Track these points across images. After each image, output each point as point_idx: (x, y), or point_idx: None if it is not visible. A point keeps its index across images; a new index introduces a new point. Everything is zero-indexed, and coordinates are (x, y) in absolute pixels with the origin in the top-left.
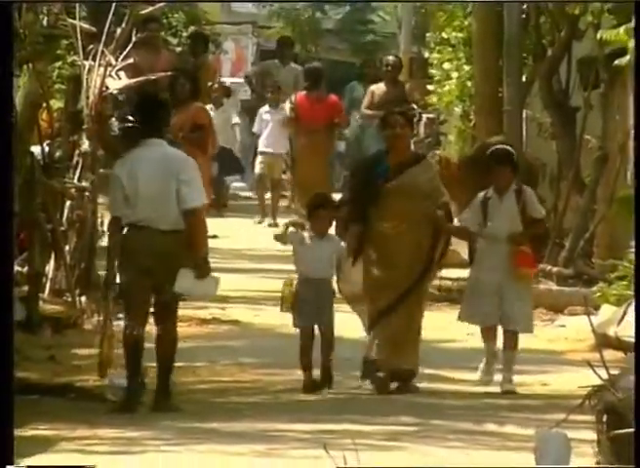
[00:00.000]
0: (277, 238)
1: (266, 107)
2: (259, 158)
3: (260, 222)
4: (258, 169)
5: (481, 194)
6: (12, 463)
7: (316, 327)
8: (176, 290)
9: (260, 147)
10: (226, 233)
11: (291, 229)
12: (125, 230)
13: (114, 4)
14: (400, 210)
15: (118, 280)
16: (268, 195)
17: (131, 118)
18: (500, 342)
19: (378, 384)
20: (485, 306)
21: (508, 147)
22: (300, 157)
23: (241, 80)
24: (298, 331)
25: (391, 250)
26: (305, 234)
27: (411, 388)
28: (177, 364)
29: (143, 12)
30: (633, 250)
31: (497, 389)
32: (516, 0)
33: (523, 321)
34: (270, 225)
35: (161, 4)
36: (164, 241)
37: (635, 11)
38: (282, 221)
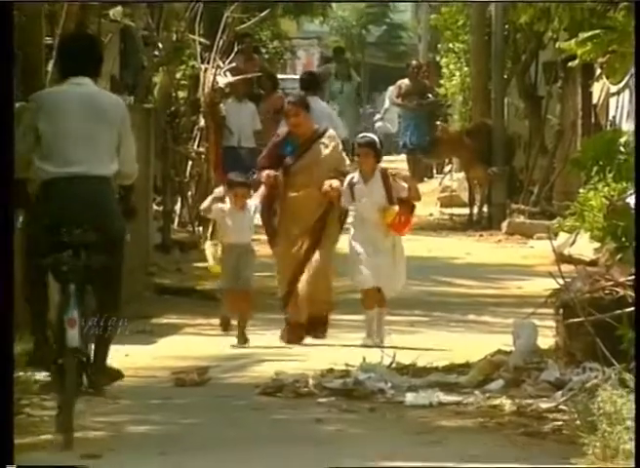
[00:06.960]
0: (203, 211)
1: None
2: None
3: None
4: None
5: (348, 178)
6: (12, 463)
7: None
8: None
9: None
10: None
11: (215, 204)
12: None
13: (223, 25)
14: (307, 179)
15: None
16: None
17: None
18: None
19: (289, 336)
20: (363, 272)
21: (371, 135)
22: None
23: None
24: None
25: (297, 213)
26: (226, 206)
27: (320, 335)
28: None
29: (241, 30)
30: (580, 195)
31: (479, 290)
32: (521, 0)
33: (395, 283)
34: None
35: (252, 21)
36: None
37: (635, 11)
38: None
